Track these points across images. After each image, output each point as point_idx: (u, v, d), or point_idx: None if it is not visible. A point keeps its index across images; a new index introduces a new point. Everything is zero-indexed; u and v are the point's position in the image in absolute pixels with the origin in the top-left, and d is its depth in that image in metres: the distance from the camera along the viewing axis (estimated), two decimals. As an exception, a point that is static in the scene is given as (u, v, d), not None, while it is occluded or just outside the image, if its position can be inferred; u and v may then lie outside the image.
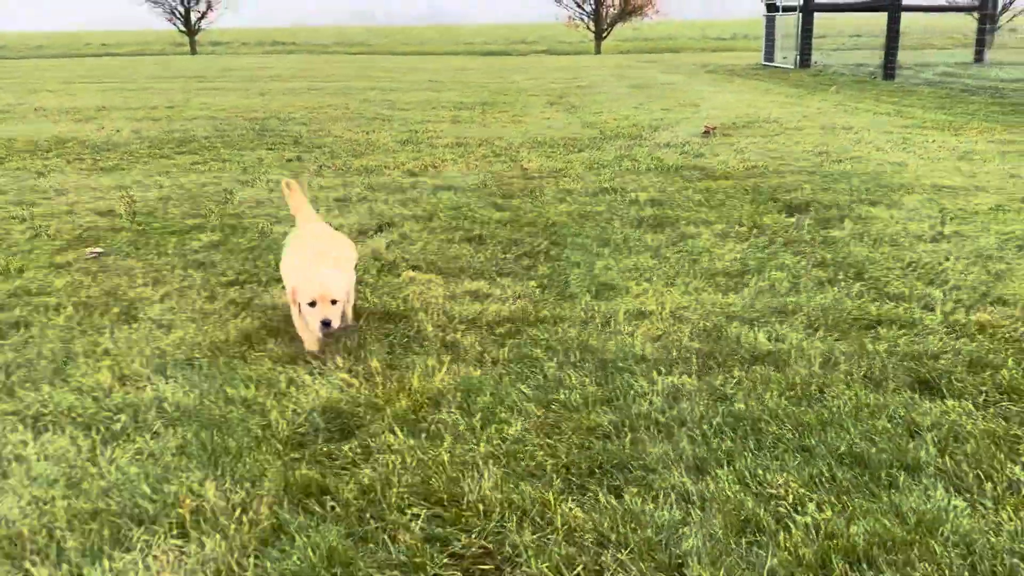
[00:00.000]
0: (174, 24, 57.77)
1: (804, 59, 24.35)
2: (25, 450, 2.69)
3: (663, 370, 3.23)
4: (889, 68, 19.52)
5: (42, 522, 2.31)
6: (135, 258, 4.96)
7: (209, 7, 57.49)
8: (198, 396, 3.04)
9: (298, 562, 2.12)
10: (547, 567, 2.09)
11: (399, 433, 2.76)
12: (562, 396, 3.01)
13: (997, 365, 3.21)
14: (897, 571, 2.02)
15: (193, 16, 57.12)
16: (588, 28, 55.48)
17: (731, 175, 7.33)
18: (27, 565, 2.14)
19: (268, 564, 2.13)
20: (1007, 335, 3.53)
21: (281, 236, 5.00)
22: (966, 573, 2.01)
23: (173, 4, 56.94)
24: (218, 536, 2.24)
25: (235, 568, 2.12)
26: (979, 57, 24.99)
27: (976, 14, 26.12)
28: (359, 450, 2.68)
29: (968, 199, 6.18)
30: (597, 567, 2.09)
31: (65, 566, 2.14)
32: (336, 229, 4.49)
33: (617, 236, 5.33)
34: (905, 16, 22.44)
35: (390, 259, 4.88)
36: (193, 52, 53.77)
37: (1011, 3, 43.39)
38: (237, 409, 2.94)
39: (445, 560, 2.15)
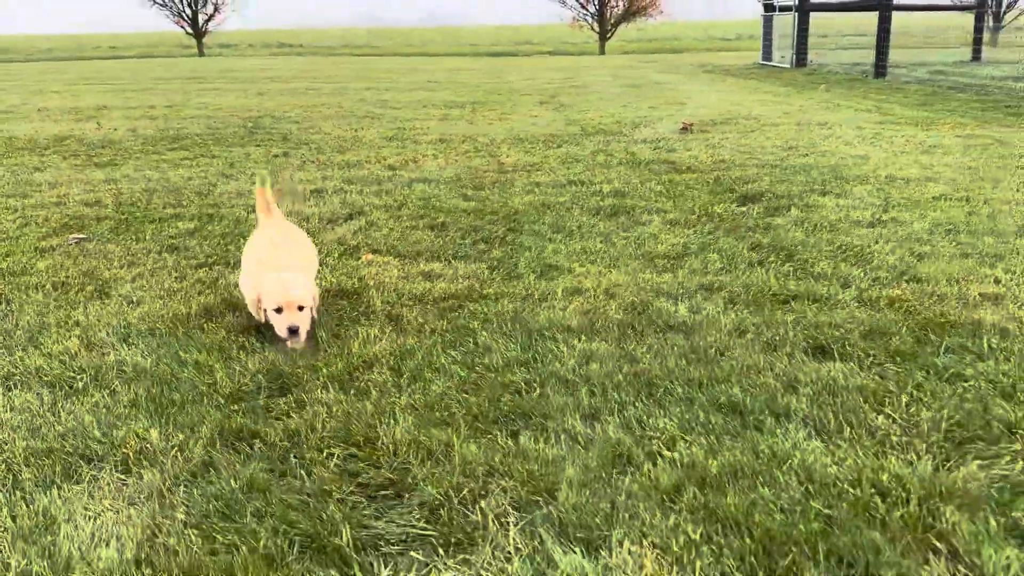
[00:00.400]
0: (181, 27, 58.44)
1: (800, 58, 24.58)
2: (-6, 403, 3.00)
3: (583, 337, 3.52)
4: (880, 66, 19.73)
5: (2, 458, 2.62)
6: (114, 243, 5.28)
7: (216, 10, 58.20)
8: (155, 359, 3.35)
9: (220, 489, 2.42)
10: (438, 492, 2.38)
11: (331, 389, 3.06)
12: (487, 360, 3.30)
13: (892, 333, 3.48)
14: (739, 492, 2.31)
15: (200, 18, 57.80)
16: (592, 29, 55.79)
17: (697, 168, 7.61)
18: (-14, 493, 2.45)
19: (195, 491, 2.43)
20: (911, 308, 3.80)
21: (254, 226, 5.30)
22: (798, 494, 2.29)
23: (180, 7, 57.68)
24: (155, 470, 2.54)
25: (166, 495, 2.42)
26: (976, 56, 25.12)
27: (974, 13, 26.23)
28: (293, 403, 2.97)
29: (917, 189, 6.44)
30: (483, 492, 2.38)
31: (19, 493, 2.44)
32: (298, 223, 4.77)
33: (573, 224, 5.62)
34: (909, 16, 22.63)
35: (353, 244, 5.18)
36: (200, 54, 54.30)
37: (1015, 2, 43.31)
38: (188, 370, 3.25)
39: (352, 489, 2.44)
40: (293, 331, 3.24)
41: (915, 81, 18.05)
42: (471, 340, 3.53)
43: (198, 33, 57.78)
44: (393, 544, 2.19)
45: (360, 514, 2.32)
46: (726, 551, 2.07)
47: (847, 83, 18.22)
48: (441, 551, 2.16)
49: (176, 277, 4.52)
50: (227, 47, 61.21)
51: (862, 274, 4.34)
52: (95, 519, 2.31)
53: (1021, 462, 2.44)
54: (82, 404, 2.98)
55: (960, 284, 4.12)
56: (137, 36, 78.14)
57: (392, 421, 2.80)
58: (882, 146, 8.73)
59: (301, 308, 3.27)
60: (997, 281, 4.17)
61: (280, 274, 3.38)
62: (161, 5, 57.73)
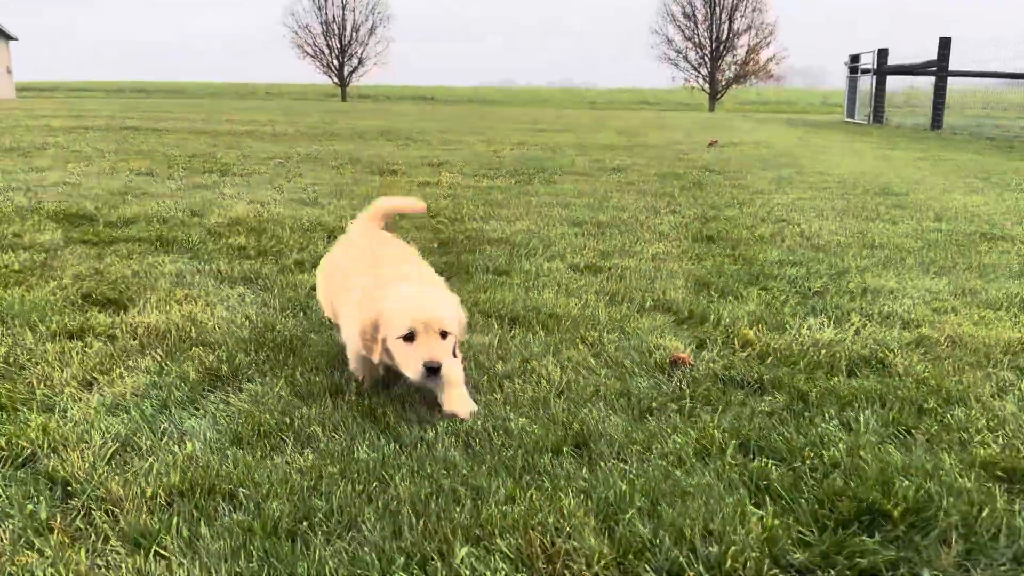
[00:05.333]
0: (329, 76, 65.37)
1: (877, 115, 26.77)
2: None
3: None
4: (936, 122, 21.87)
5: None
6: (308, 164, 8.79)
7: (360, 63, 64.91)
8: (331, 189, 6.70)
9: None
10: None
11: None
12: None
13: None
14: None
15: (346, 70, 64.56)
16: (703, 91, 58.80)
17: (691, 165, 10.58)
18: None
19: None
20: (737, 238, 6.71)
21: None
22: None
23: (329, 59, 64.68)
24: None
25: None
26: None
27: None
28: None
29: (825, 178, 9.19)
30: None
31: None
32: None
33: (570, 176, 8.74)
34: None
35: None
36: (343, 100, 60.64)
37: None
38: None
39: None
40: (432, 369, 2.25)
41: (953, 133, 20.16)
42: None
43: (342, 83, 64.49)
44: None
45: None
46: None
47: (898, 133, 20.52)
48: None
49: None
50: (366, 97, 67.57)
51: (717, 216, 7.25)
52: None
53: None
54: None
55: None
56: (287, 85, 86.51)
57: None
58: (848, 156, 11.42)
59: (444, 336, 2.33)
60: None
61: (412, 287, 2.45)
62: (312, 56, 64.95)
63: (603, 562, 1.65)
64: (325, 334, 3.05)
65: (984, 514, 1.81)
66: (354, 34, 65.18)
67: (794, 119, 31.48)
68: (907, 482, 1.91)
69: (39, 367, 2.65)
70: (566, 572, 1.63)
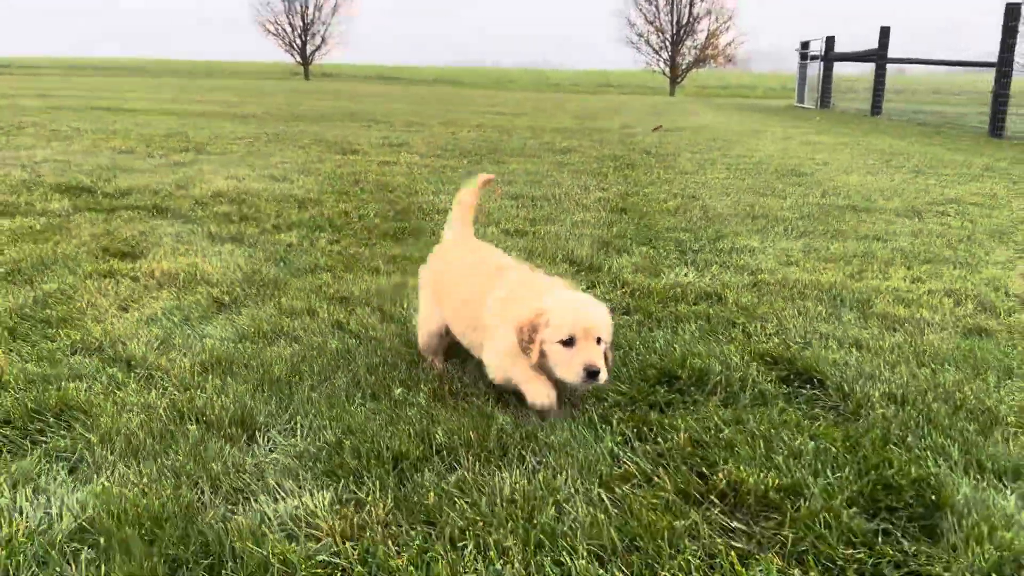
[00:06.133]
0: (292, 55, 65.40)
1: (824, 100, 28.02)
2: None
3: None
4: (876, 107, 23.15)
5: None
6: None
7: (323, 41, 65.07)
8: (300, 167, 7.54)
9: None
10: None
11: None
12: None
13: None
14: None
15: (308, 48, 64.65)
16: (664, 74, 59.90)
17: (632, 148, 11.54)
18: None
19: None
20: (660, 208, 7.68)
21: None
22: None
23: (291, 38, 64.74)
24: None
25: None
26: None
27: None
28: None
29: (744, 160, 10.22)
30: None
31: (257, 182, 6.62)
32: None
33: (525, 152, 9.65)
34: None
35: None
36: (307, 78, 60.79)
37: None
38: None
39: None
40: (592, 373, 2.36)
41: (889, 118, 21.43)
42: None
43: (305, 62, 64.59)
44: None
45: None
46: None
47: (840, 118, 21.72)
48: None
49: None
50: (329, 76, 67.63)
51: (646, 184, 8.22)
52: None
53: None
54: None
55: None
56: (249, 63, 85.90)
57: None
58: (774, 139, 12.48)
59: (599, 341, 2.45)
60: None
61: (571, 293, 2.60)
62: (275, 35, 64.95)
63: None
64: (303, 279, 3.95)
65: (738, 375, 2.78)
66: (317, 13, 65.31)
67: (747, 104, 32.66)
68: (698, 360, 2.88)
69: (85, 297, 3.52)
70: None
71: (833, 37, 27.53)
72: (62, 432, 2.29)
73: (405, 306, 3.48)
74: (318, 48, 65.27)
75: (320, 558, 1.77)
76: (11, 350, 2.88)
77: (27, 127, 11.25)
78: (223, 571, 1.73)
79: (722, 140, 12.38)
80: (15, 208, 5.41)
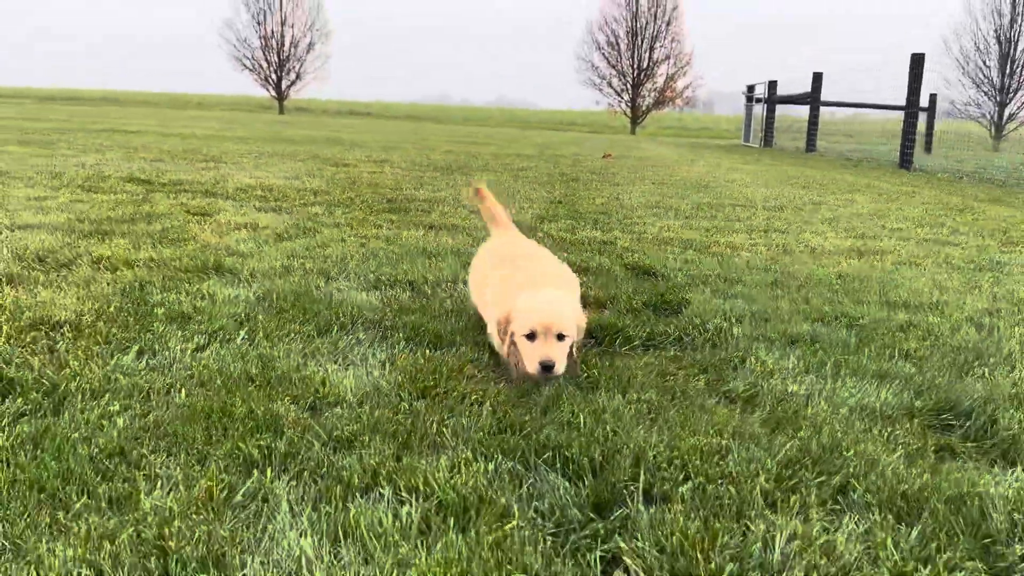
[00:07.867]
0: (267, 89, 67.36)
1: (767, 139, 30.56)
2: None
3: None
4: (811, 145, 25.65)
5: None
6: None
7: (298, 77, 67.18)
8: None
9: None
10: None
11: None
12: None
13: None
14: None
15: (284, 83, 66.70)
16: (625, 115, 62.81)
17: (581, 169, 13.55)
18: (267, 179, 8.46)
19: (327, 181, 8.42)
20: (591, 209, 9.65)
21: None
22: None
23: (267, 72, 66.76)
24: (314, 180, 8.55)
25: (318, 182, 8.41)
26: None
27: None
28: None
29: (670, 177, 12.27)
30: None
31: (277, 179, 8.46)
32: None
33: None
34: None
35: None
36: (280, 112, 62.67)
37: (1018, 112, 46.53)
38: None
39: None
40: (547, 367, 2.53)
41: (820, 155, 23.86)
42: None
43: (280, 96, 66.58)
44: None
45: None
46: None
47: (780, 154, 24.09)
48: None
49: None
50: (303, 110, 69.59)
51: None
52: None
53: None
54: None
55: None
56: (222, 97, 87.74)
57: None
58: (705, 167, 14.58)
59: (561, 338, 2.60)
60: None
61: (540, 292, 2.74)
62: (251, 70, 66.92)
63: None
64: (331, 229, 5.79)
65: (607, 269, 4.68)
66: (292, 50, 67.45)
67: (699, 143, 35.23)
68: (592, 263, 4.77)
69: (192, 229, 5.32)
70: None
71: (775, 81, 30.20)
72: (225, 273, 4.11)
73: (401, 241, 5.36)
74: (292, 83, 67.30)
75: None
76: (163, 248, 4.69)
77: (59, 143, 12.95)
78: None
79: (660, 166, 14.45)
80: (101, 189, 7.19)
